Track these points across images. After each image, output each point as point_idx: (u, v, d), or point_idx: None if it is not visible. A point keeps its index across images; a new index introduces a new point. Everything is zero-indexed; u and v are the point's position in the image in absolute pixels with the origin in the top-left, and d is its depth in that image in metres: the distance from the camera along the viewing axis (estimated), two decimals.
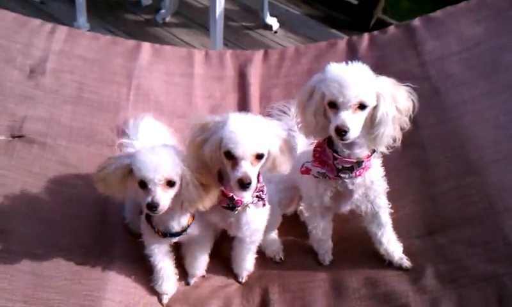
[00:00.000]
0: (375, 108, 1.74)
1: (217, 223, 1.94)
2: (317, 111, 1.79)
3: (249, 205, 1.81)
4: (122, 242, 2.09)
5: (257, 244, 2.05)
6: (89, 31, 4.22)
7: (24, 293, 1.85)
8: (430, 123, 2.41)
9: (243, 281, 2.12)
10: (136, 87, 2.67)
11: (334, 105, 1.71)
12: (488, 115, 2.34)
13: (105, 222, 2.14)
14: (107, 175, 1.78)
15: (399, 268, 2.02)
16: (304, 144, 2.20)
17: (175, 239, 1.93)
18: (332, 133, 1.72)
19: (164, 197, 1.69)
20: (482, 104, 2.39)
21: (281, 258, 2.19)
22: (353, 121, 1.69)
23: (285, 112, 2.62)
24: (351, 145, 1.81)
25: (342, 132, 1.68)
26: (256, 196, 1.81)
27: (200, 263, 2.09)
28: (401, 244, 2.06)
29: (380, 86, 1.74)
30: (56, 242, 2.05)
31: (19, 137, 2.33)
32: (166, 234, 1.88)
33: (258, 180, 1.76)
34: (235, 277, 2.13)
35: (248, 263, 2.10)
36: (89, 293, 1.89)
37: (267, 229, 2.12)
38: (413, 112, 1.82)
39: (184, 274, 2.10)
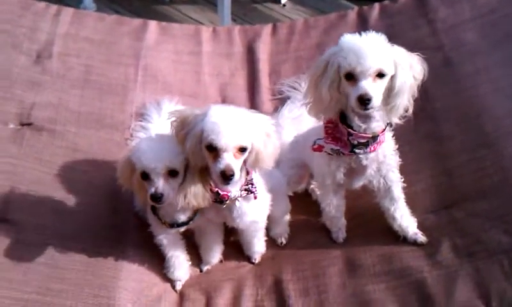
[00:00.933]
0: (392, 78, 1.71)
1: (213, 217, 1.90)
2: (332, 85, 1.74)
3: (238, 199, 1.77)
4: (135, 229, 2.07)
5: (262, 231, 2.04)
6: (95, 11, 4.19)
7: (38, 285, 1.84)
8: (443, 94, 2.36)
9: (256, 262, 2.10)
10: (144, 67, 2.63)
11: (352, 76, 1.68)
12: (504, 84, 2.28)
13: (117, 209, 2.12)
14: (119, 172, 1.77)
15: (414, 243, 1.98)
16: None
17: (183, 229, 1.91)
18: (354, 103, 1.68)
19: (167, 188, 1.66)
20: (496, 73, 2.33)
21: (282, 243, 2.16)
22: (375, 89, 1.66)
23: (295, 88, 2.59)
24: (368, 119, 1.77)
25: (365, 100, 1.64)
26: (245, 189, 1.76)
27: (215, 251, 2.08)
28: (415, 219, 2.02)
29: (396, 55, 1.71)
30: (68, 232, 2.04)
31: (28, 124, 2.31)
32: (173, 225, 1.85)
33: (247, 173, 1.73)
34: (248, 259, 2.12)
35: (257, 246, 2.08)
36: (103, 282, 1.89)
37: (278, 217, 2.13)
38: (422, 81, 1.78)
39: (197, 259, 2.10)
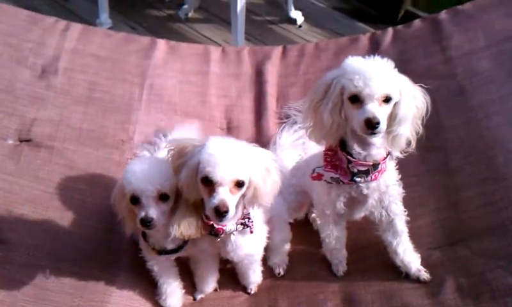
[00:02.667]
0: (395, 105, 1.65)
1: (207, 248, 1.84)
2: (334, 108, 1.67)
3: (234, 233, 1.71)
4: (128, 252, 2.02)
5: (257, 263, 1.97)
6: (111, 27, 4.21)
7: None
8: (454, 125, 2.28)
9: (252, 292, 2.03)
10: (149, 86, 2.59)
11: (357, 99, 1.61)
12: None
13: (111, 230, 2.07)
14: (114, 199, 1.73)
15: (417, 280, 1.89)
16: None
17: (173, 257, 1.85)
18: (359, 127, 1.61)
19: (157, 212, 1.60)
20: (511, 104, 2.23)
21: (280, 273, 2.08)
22: (381, 114, 1.60)
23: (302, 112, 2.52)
24: (368, 146, 1.70)
25: (374, 124, 1.57)
26: (241, 223, 1.70)
27: (210, 279, 2.02)
28: (419, 255, 1.93)
29: (401, 82, 1.66)
30: (60, 253, 2.00)
31: (27, 141, 2.28)
32: (162, 252, 1.79)
33: (244, 206, 1.67)
34: (244, 289, 2.05)
35: (252, 277, 2.01)
36: (91, 305, 1.84)
37: (277, 245, 2.07)
38: (425, 115, 1.72)
39: (191, 287, 2.04)
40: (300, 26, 4.53)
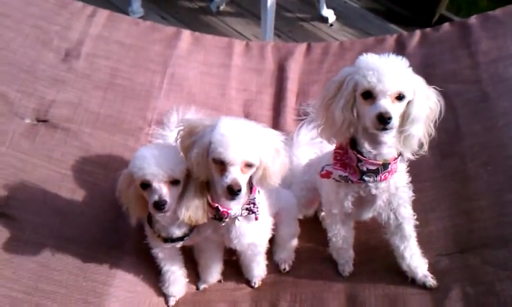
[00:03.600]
0: (409, 104, 1.63)
1: (211, 236, 1.83)
2: (346, 105, 1.66)
3: (238, 218, 1.71)
4: (134, 238, 2.02)
5: (261, 255, 1.97)
6: (142, 16, 4.26)
7: (27, 284, 1.83)
8: (474, 131, 2.23)
9: (255, 285, 2.03)
10: (170, 76, 2.62)
11: (370, 95, 1.60)
12: None
13: (119, 215, 2.04)
14: (119, 187, 1.74)
15: (423, 286, 1.86)
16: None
17: (178, 245, 1.85)
18: (371, 122, 1.59)
19: (170, 196, 1.61)
20: None
21: (285, 269, 2.07)
22: (394, 111, 1.58)
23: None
24: (378, 145, 1.68)
25: (386, 119, 1.55)
26: (246, 209, 1.70)
27: (214, 270, 2.02)
28: (426, 261, 1.90)
29: (415, 81, 1.64)
30: (67, 234, 2.02)
31: (44, 121, 2.31)
32: (168, 239, 1.80)
33: (251, 191, 1.67)
34: (247, 282, 2.05)
35: (256, 271, 2.01)
36: (93, 288, 1.87)
37: (285, 240, 2.07)
38: (438, 117, 1.69)
39: (194, 276, 2.05)
40: (331, 25, 4.50)
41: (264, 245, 1.92)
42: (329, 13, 4.52)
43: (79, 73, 2.49)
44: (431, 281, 1.86)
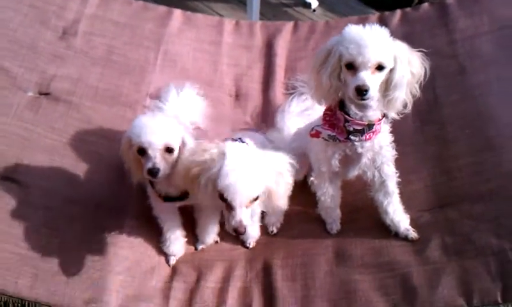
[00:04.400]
0: (391, 71, 1.76)
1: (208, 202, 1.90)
2: (333, 73, 1.80)
3: None
4: (137, 201, 2.13)
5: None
6: None
7: (35, 243, 1.93)
8: (452, 101, 2.38)
9: (250, 246, 2.16)
10: (164, 52, 2.73)
11: (352, 66, 1.73)
12: None
13: (121, 180, 2.18)
14: (121, 149, 1.85)
15: (405, 239, 2.00)
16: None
17: (177, 204, 1.98)
18: (351, 93, 1.74)
19: (164, 163, 1.73)
20: (508, 85, 2.33)
21: (272, 231, 2.20)
22: (372, 81, 1.71)
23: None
24: (364, 108, 1.82)
25: (363, 91, 1.70)
26: None
27: (210, 231, 2.13)
28: (408, 216, 2.05)
29: (397, 49, 1.76)
30: (73, 198, 2.13)
31: (46, 94, 2.41)
32: (167, 198, 1.92)
33: None
34: (242, 243, 2.17)
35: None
36: (99, 247, 1.97)
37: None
38: (424, 79, 1.82)
39: (193, 238, 2.16)
40: (314, 10, 4.62)
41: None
42: None
43: (77, 50, 2.60)
44: (412, 233, 2.00)
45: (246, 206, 1.64)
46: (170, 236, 2.05)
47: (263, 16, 4.24)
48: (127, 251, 2.01)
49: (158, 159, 1.72)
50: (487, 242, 1.87)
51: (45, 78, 2.46)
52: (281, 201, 1.76)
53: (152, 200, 2.02)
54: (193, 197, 1.93)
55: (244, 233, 1.64)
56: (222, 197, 1.62)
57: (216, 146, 1.71)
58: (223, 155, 1.65)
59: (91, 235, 2.01)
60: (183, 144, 1.79)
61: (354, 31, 1.74)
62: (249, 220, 1.67)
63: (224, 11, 4.49)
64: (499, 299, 1.72)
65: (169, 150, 1.75)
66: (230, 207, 1.63)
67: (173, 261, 2.07)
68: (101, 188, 2.20)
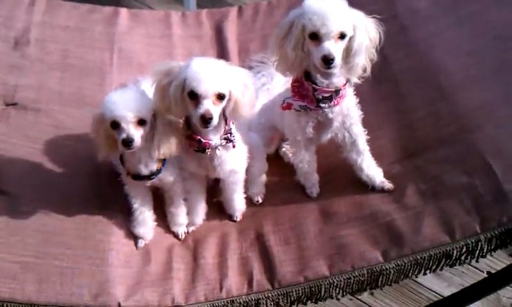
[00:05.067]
0: (351, 38, 1.88)
1: (196, 169, 2.04)
2: (297, 45, 1.90)
3: (219, 147, 1.92)
4: (123, 197, 2.14)
5: (241, 185, 2.18)
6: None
7: (35, 249, 1.95)
8: (400, 58, 2.54)
9: (237, 219, 2.24)
10: (118, 50, 2.76)
11: (316, 37, 1.83)
12: (454, 44, 2.47)
13: (101, 178, 2.23)
14: (92, 128, 1.90)
15: (382, 191, 2.14)
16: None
17: (148, 183, 2.03)
18: (318, 62, 1.85)
19: (137, 134, 1.80)
20: (448, 35, 2.51)
21: (258, 201, 2.30)
22: (337, 50, 1.83)
23: (263, 62, 2.73)
24: (329, 75, 1.93)
25: (329, 60, 1.81)
26: (225, 138, 1.92)
27: (200, 210, 2.20)
28: (381, 170, 2.18)
29: (355, 18, 1.89)
30: (60, 201, 2.14)
31: (13, 104, 2.41)
32: (136, 177, 1.98)
33: (226, 123, 1.89)
34: (230, 217, 2.25)
35: (237, 203, 2.22)
36: (95, 246, 2.00)
37: (255, 174, 2.27)
38: (379, 43, 1.96)
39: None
40: None
41: (242, 173, 2.13)
42: None
43: (33, 58, 2.59)
44: (388, 185, 2.14)
45: (214, 103, 1.75)
46: (138, 216, 2.09)
47: (200, 7, 4.27)
48: (121, 245, 2.05)
49: (131, 130, 1.79)
50: (457, 181, 2.03)
51: (8, 90, 2.46)
52: (247, 111, 1.87)
53: (123, 178, 2.07)
54: (163, 175, 2.01)
55: (211, 119, 1.74)
56: (190, 94, 1.74)
57: (181, 62, 1.85)
58: (189, 62, 1.78)
59: (85, 233, 2.04)
60: (153, 117, 1.87)
61: (315, 3, 1.85)
62: (217, 117, 1.78)
63: (160, 6, 4.50)
64: (478, 230, 1.88)
65: (141, 122, 1.82)
66: (197, 101, 1.75)
67: (141, 244, 2.08)
68: (83, 189, 2.23)
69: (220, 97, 1.77)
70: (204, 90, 1.72)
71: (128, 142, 1.78)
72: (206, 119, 1.74)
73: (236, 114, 1.86)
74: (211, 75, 1.73)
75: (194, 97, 1.75)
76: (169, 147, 1.88)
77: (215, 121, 1.77)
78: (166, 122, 1.88)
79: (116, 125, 1.80)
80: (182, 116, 1.91)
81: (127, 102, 1.79)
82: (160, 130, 1.86)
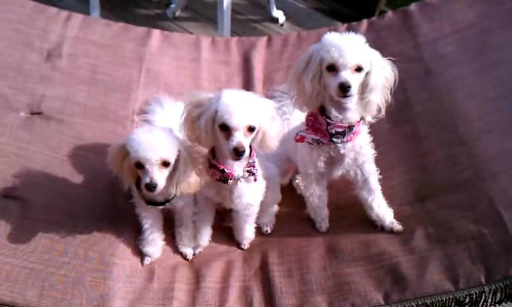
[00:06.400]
0: (367, 74, 1.92)
1: (213, 197, 2.07)
2: (314, 78, 1.94)
3: (241, 179, 1.95)
4: (133, 213, 2.17)
5: (253, 217, 2.21)
6: None
7: (42, 256, 1.99)
8: (422, 100, 2.55)
9: (245, 247, 2.25)
10: (147, 70, 2.84)
11: (333, 68, 1.89)
12: (477, 91, 2.46)
13: (115, 193, 2.26)
14: (110, 157, 1.93)
15: (391, 231, 2.14)
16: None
17: (160, 207, 2.06)
18: (334, 91, 1.89)
19: (160, 178, 1.82)
20: (471, 81, 2.51)
21: (267, 231, 2.32)
22: (353, 80, 1.87)
23: (286, 93, 2.77)
24: (344, 110, 1.97)
25: (346, 87, 1.85)
26: (247, 171, 1.94)
27: (204, 232, 2.22)
28: (392, 210, 2.18)
29: (372, 55, 1.93)
30: (71, 211, 2.20)
31: (38, 113, 2.50)
32: (151, 202, 2.01)
33: (250, 154, 1.91)
34: (238, 244, 2.27)
35: (247, 232, 2.24)
36: (101, 259, 2.03)
37: (268, 204, 2.29)
38: (394, 85, 2.00)
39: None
40: (282, 25, 4.81)
41: (257, 206, 2.15)
42: (279, 14, 4.83)
43: (63, 71, 2.68)
44: (397, 226, 2.14)
45: (245, 135, 1.78)
46: (148, 237, 2.11)
47: (233, 32, 4.38)
48: (126, 260, 2.08)
49: (156, 174, 1.80)
50: (466, 229, 2.02)
51: (35, 99, 2.55)
52: (274, 142, 1.91)
53: (136, 200, 2.10)
54: (175, 201, 2.04)
55: (243, 153, 1.76)
56: (222, 126, 1.77)
57: (211, 93, 1.88)
58: (219, 94, 1.81)
59: (92, 246, 2.08)
60: (179, 157, 1.88)
61: (333, 37, 1.91)
62: (248, 148, 1.79)
63: (196, 30, 4.62)
64: (483, 280, 1.86)
65: (166, 164, 1.84)
66: (229, 133, 1.77)
67: (147, 261, 2.11)
68: (97, 202, 2.28)
69: (251, 129, 1.80)
70: (236, 123, 1.76)
71: (151, 187, 1.81)
72: (239, 152, 1.76)
73: (264, 145, 1.90)
74: (242, 109, 1.77)
75: (226, 129, 1.78)
76: (188, 186, 1.91)
77: (246, 153, 1.79)
78: (187, 161, 1.90)
79: (140, 165, 1.82)
80: (211, 146, 1.94)
81: (153, 143, 1.80)
82: (181, 170, 1.88)
